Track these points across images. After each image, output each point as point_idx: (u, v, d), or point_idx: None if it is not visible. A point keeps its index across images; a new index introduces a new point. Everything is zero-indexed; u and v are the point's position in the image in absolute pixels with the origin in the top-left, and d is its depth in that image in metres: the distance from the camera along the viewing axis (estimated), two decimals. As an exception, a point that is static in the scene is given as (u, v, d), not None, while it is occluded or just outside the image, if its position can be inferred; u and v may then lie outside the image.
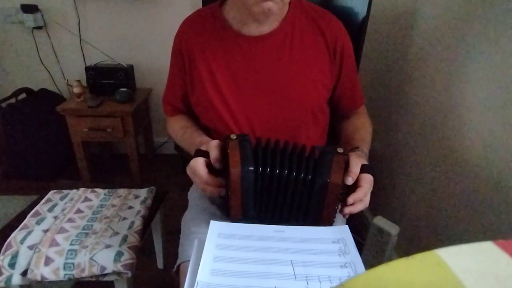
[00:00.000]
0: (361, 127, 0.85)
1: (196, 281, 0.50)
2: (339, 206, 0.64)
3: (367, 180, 0.63)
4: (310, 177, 0.61)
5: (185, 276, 0.67)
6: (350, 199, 0.62)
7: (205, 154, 0.67)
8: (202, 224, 0.76)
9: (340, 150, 0.63)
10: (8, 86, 2.02)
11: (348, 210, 0.63)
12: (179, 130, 0.86)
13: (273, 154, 0.63)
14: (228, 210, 0.66)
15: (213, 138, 0.73)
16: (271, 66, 0.75)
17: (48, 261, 0.85)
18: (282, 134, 0.76)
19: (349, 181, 0.62)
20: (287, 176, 0.62)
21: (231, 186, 0.62)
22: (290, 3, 0.76)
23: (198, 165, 0.65)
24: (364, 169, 0.64)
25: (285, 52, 0.75)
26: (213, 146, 0.66)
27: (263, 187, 0.63)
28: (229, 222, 0.65)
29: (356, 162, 0.64)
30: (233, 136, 0.64)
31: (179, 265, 0.72)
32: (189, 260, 0.68)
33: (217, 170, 0.65)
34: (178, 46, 0.81)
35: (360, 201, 0.63)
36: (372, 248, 1.13)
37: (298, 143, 0.67)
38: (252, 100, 0.76)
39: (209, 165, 0.66)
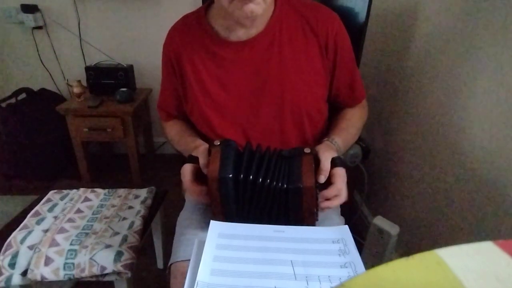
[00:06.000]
0: (347, 118, 0.83)
1: (196, 281, 0.50)
2: (319, 204, 0.65)
3: (339, 175, 0.63)
4: (285, 185, 0.60)
5: (175, 277, 0.68)
6: (323, 197, 0.63)
7: (195, 159, 0.67)
8: (193, 225, 0.76)
9: (307, 150, 0.63)
10: (8, 86, 2.02)
11: (324, 205, 0.63)
12: (175, 135, 0.86)
13: (251, 161, 0.63)
14: (212, 216, 0.66)
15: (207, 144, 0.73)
16: (261, 70, 0.73)
17: (48, 261, 0.85)
18: (277, 137, 0.76)
19: (322, 179, 0.62)
20: (262, 183, 0.61)
21: (210, 193, 0.62)
22: (276, 1, 0.73)
23: (184, 172, 0.66)
24: (334, 162, 0.64)
25: (274, 54, 0.73)
26: (201, 152, 0.67)
27: (245, 195, 0.63)
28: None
29: (326, 157, 0.63)
30: (217, 142, 0.64)
31: (170, 266, 0.72)
32: (179, 262, 0.69)
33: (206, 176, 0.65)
34: (167, 55, 0.80)
35: (335, 196, 0.63)
36: (372, 248, 1.13)
37: (280, 149, 0.66)
38: (245, 106, 0.75)
39: (199, 171, 0.66)
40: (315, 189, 0.61)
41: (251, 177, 0.61)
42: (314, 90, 0.76)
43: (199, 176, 0.66)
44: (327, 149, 0.67)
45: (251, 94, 0.74)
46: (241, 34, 0.73)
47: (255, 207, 0.64)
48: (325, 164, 0.63)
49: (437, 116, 1.03)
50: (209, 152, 0.64)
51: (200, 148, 0.68)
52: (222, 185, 0.61)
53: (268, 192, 0.61)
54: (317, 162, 0.63)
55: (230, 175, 0.60)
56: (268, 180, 0.60)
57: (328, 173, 0.63)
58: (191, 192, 0.66)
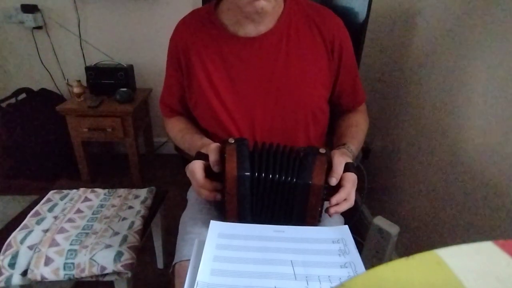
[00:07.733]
0: (355, 124, 0.84)
1: (196, 281, 0.50)
2: (325, 205, 0.64)
3: (349, 179, 0.63)
4: (294, 180, 0.61)
5: (179, 277, 0.67)
6: (333, 200, 0.62)
7: (204, 157, 0.67)
8: (198, 224, 0.76)
9: (322, 150, 0.63)
10: (8, 86, 2.02)
11: (333, 210, 0.63)
12: (178, 132, 0.86)
13: (263, 158, 0.63)
14: (224, 214, 0.66)
15: (213, 141, 0.73)
16: (268, 68, 0.74)
17: (48, 261, 0.85)
18: (282, 136, 0.76)
19: (333, 182, 0.62)
20: (275, 180, 0.62)
21: (227, 191, 0.62)
22: (285, 1, 0.75)
23: (195, 168, 0.65)
24: (347, 167, 0.64)
25: (281, 52, 0.74)
26: (212, 149, 0.66)
27: (259, 192, 0.63)
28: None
29: (340, 161, 0.64)
30: (231, 140, 0.64)
31: (174, 265, 0.72)
32: (184, 261, 0.69)
33: (216, 173, 0.65)
34: (174, 48, 0.80)
35: (344, 200, 0.63)
36: (372, 248, 1.13)
37: (293, 146, 0.66)
38: (251, 103, 0.75)
39: (208, 168, 0.66)
40: (323, 190, 0.61)
41: (263, 174, 0.61)
42: (318, 90, 0.77)
43: (207, 174, 0.66)
44: (342, 154, 0.67)
45: (257, 91, 0.75)
46: (250, 30, 0.74)
47: (267, 204, 0.64)
48: (338, 167, 0.63)
49: (437, 116, 1.03)
50: (222, 150, 0.64)
51: (211, 146, 0.68)
52: (241, 183, 0.61)
53: (278, 186, 0.62)
54: (330, 165, 0.63)
55: (249, 173, 0.61)
56: (279, 175, 0.61)
57: (340, 176, 0.63)
58: (206, 188, 0.66)
